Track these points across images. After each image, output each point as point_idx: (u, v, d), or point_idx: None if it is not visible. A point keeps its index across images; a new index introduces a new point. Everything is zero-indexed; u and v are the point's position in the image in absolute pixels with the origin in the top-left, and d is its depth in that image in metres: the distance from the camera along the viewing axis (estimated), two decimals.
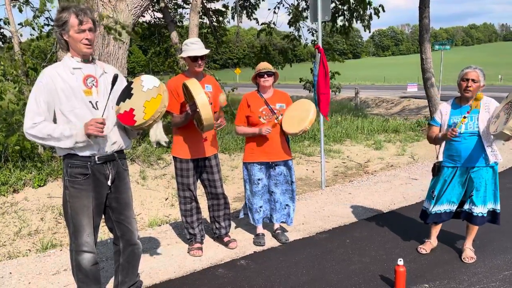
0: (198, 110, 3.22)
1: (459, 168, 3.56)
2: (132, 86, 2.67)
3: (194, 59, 3.65)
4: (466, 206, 3.60)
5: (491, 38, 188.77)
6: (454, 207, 3.69)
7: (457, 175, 3.58)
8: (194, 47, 3.67)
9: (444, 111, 3.62)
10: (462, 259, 3.61)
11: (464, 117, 3.37)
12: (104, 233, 4.39)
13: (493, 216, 3.59)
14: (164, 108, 2.57)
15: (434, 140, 3.69)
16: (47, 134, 2.44)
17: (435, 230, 3.89)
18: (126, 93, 2.65)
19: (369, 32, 14.46)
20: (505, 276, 3.30)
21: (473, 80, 3.41)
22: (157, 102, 2.54)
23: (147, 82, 2.64)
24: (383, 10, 13.33)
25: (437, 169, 3.71)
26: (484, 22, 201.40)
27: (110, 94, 2.59)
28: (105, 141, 2.62)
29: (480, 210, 3.52)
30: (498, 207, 3.60)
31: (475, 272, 3.38)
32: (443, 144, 3.65)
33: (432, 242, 3.90)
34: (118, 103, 2.65)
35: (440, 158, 3.68)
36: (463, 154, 3.49)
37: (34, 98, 2.48)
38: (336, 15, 13.79)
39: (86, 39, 2.50)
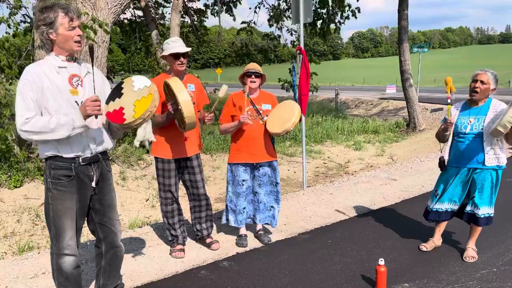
0: (180, 107, 3.17)
1: (461, 168, 3.61)
2: (122, 86, 2.63)
3: (176, 56, 3.60)
4: (468, 208, 3.63)
5: (467, 41, 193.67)
6: (455, 207, 3.73)
7: (459, 175, 3.63)
8: (175, 45, 3.62)
9: (453, 112, 3.67)
10: (464, 258, 3.65)
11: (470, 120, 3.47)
12: (84, 235, 4.31)
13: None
14: (154, 108, 2.55)
15: (438, 137, 3.74)
16: (42, 126, 2.36)
17: (439, 229, 3.92)
18: (116, 93, 2.61)
19: (338, 33, 14.76)
20: (482, 274, 3.38)
21: (482, 81, 3.46)
22: (148, 101, 2.51)
23: (138, 82, 2.61)
24: (359, 11, 13.61)
25: (442, 164, 3.72)
26: (460, 25, 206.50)
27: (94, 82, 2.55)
28: (90, 141, 2.58)
29: (484, 211, 3.56)
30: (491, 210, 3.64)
31: (453, 271, 3.46)
32: (449, 142, 3.71)
33: (436, 241, 3.91)
34: (107, 103, 2.61)
35: (445, 155, 3.71)
36: (465, 154, 3.54)
37: (21, 96, 2.39)
38: (315, 18, 13.94)
39: (78, 35, 2.46)
